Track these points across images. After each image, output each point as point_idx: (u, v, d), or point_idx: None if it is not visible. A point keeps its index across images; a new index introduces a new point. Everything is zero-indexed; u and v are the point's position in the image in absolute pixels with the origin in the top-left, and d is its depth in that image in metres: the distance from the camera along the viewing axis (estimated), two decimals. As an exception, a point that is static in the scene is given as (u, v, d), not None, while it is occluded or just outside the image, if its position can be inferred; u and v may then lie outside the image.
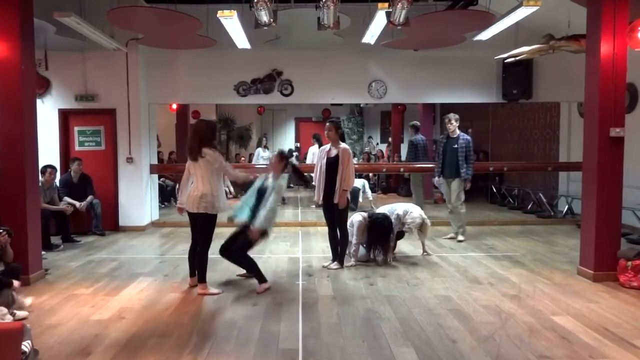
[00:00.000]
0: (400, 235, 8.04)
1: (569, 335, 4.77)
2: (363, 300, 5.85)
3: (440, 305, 5.65)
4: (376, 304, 5.70)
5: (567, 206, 11.85)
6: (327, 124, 7.38)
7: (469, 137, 9.37)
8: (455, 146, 9.26)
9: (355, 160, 17.46)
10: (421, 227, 7.86)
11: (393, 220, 7.67)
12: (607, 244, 6.64)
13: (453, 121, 9.34)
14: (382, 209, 8.11)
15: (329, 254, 7.63)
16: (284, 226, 10.94)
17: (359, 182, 12.74)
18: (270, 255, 8.21)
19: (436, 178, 9.75)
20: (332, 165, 7.22)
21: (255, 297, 6.03)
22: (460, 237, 9.36)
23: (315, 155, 12.20)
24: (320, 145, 12.36)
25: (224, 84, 11.01)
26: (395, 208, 7.96)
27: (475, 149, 16.61)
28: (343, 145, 7.30)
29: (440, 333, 4.82)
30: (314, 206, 12.92)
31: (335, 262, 7.38)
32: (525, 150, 14.39)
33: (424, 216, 7.88)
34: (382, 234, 7.51)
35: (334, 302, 5.80)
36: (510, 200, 14.18)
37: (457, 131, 9.36)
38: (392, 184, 17.45)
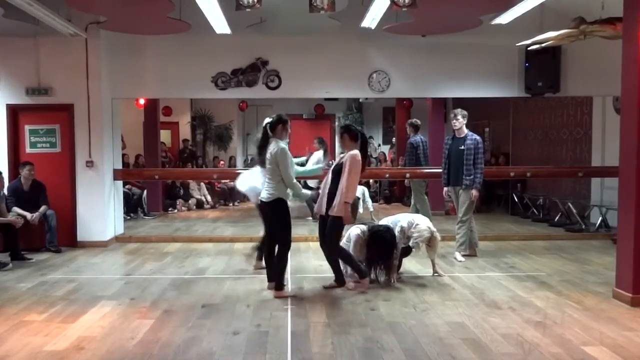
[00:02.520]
0: (407, 251, 8.05)
1: (602, 368, 4.78)
2: (362, 328, 5.85)
3: (452, 334, 5.66)
4: (378, 332, 5.71)
5: (600, 218, 11.89)
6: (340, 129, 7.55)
7: (478, 137, 9.32)
8: (462, 147, 9.22)
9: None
10: (429, 242, 7.84)
11: (397, 234, 7.67)
12: (648, 263, 6.67)
13: (459, 117, 9.30)
14: (384, 221, 8.11)
15: (323, 274, 7.63)
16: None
17: (358, 191, 12.71)
18: (254, 276, 8.20)
19: (444, 188, 9.72)
20: (337, 173, 7.26)
21: (236, 324, 6.03)
22: (459, 257, 9.27)
23: (321, 162, 12.30)
24: (325, 151, 12.58)
25: (199, 76, 11.02)
26: (398, 219, 7.95)
27: (493, 151, 16.89)
28: (353, 151, 7.32)
29: (453, 366, 4.83)
30: (309, 218, 12.91)
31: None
32: (552, 153, 14.45)
33: (433, 229, 7.82)
34: (383, 250, 7.51)
35: (328, 330, 5.80)
36: (535, 211, 14.23)
37: (465, 129, 9.34)
38: (397, 192, 17.48)
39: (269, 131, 7.17)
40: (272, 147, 7.01)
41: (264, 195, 7.11)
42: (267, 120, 7.32)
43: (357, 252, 7.52)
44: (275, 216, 7.12)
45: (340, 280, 7.45)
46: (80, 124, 10.51)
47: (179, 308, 6.58)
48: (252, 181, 8.05)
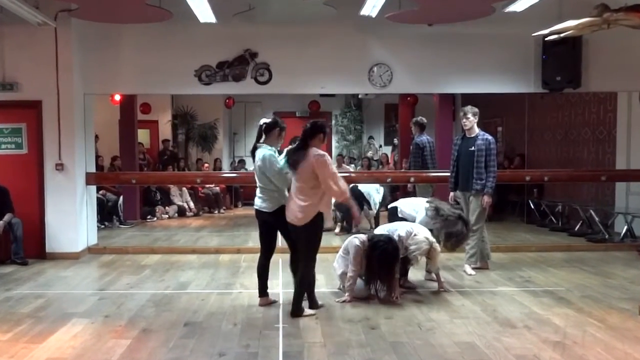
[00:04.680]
0: (404, 262, 8.03)
1: (627, 392, 4.80)
2: (362, 349, 5.86)
3: (462, 355, 5.68)
4: (379, 354, 5.72)
5: (625, 227, 11.90)
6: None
7: (490, 137, 9.32)
8: (472, 148, 9.25)
9: (352, 168, 17.58)
10: (429, 254, 7.82)
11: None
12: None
13: (470, 116, 9.31)
14: (380, 230, 8.12)
15: (317, 289, 7.60)
16: (258, 253, 10.93)
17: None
18: (242, 291, 8.23)
19: (451, 193, 9.72)
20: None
21: (222, 344, 6.02)
22: (469, 270, 9.26)
23: None
24: None
25: (181, 69, 11.02)
26: (396, 228, 7.94)
27: (507, 152, 16.91)
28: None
29: (462, 390, 4.85)
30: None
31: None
32: (572, 155, 14.49)
33: (432, 239, 7.80)
34: (385, 263, 7.49)
35: (324, 351, 5.81)
36: (553, 219, 14.26)
37: (476, 129, 9.36)
38: (400, 198, 17.47)
39: (263, 133, 7.30)
40: (259, 154, 7.18)
41: (265, 205, 7.18)
42: (264, 120, 7.40)
43: (357, 265, 7.52)
44: (282, 225, 7.14)
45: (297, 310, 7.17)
46: (49, 122, 10.50)
47: (159, 327, 6.58)
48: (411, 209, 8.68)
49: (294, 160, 6.95)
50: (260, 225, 7.43)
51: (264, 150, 7.16)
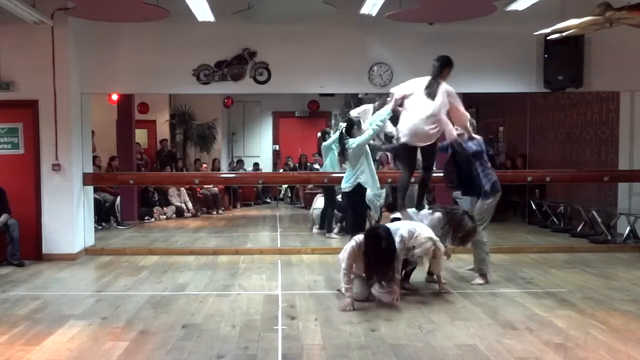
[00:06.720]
0: (407, 263, 7.99)
1: (630, 395, 4.80)
2: (362, 351, 5.85)
3: (463, 358, 5.68)
4: (379, 356, 5.71)
5: (628, 228, 11.90)
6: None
7: (479, 138, 9.09)
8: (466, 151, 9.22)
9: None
10: (433, 253, 7.71)
11: (397, 245, 7.56)
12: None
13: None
14: None
15: (317, 290, 7.59)
16: (258, 254, 10.96)
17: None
18: (241, 292, 8.22)
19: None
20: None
21: (220, 346, 6.02)
22: (478, 279, 8.88)
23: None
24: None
25: (179, 69, 11.00)
26: (397, 227, 7.82)
27: (509, 153, 16.89)
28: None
29: (463, 393, 4.84)
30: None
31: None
32: (574, 155, 14.49)
33: (435, 239, 7.67)
34: (381, 255, 7.29)
35: (323, 354, 5.81)
36: (555, 220, 14.25)
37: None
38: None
39: (345, 134, 9.35)
40: (352, 143, 9.13)
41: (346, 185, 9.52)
42: (342, 125, 9.73)
43: (348, 266, 7.33)
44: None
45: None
46: (45, 122, 10.50)
47: (157, 329, 6.57)
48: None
49: (430, 92, 8.12)
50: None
51: (353, 140, 9.17)
